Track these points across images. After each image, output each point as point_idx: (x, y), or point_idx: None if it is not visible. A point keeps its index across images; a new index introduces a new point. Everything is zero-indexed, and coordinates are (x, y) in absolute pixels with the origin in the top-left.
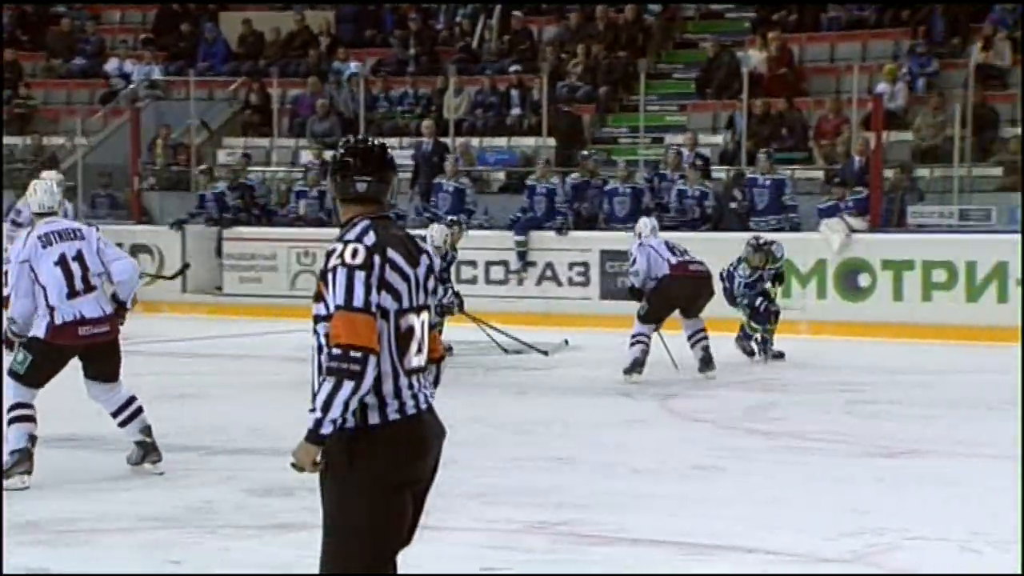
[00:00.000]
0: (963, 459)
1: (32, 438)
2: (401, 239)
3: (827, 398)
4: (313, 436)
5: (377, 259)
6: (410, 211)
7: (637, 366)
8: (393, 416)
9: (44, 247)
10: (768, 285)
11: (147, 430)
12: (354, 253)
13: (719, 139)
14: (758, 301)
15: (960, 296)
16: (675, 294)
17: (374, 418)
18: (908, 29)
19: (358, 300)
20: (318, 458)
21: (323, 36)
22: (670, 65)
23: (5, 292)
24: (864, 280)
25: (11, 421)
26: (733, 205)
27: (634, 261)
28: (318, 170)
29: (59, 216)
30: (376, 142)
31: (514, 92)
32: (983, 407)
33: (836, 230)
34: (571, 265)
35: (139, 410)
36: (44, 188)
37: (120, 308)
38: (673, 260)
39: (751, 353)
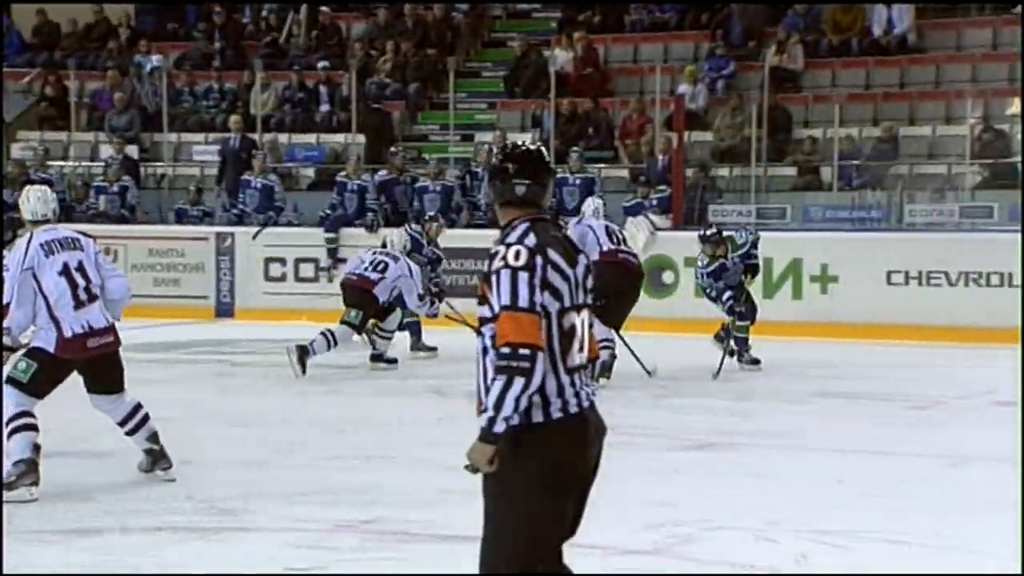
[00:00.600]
0: (763, 451)
1: (36, 448)
2: (559, 240)
3: (634, 393)
4: (487, 435)
5: (539, 260)
6: (217, 208)
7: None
8: (557, 414)
9: (47, 256)
10: (741, 278)
11: (154, 437)
12: (516, 255)
13: (528, 137)
14: (726, 295)
15: (757, 292)
16: (599, 281)
17: (538, 416)
18: (707, 32)
19: (523, 300)
20: (492, 457)
21: (122, 28)
22: (479, 63)
23: (4, 300)
24: (668, 277)
25: (14, 431)
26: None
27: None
28: (119, 165)
29: (54, 223)
30: (534, 146)
31: (323, 88)
32: (783, 400)
33: (641, 228)
34: None
35: (145, 418)
36: (37, 195)
37: None
38: (605, 247)
39: (731, 353)
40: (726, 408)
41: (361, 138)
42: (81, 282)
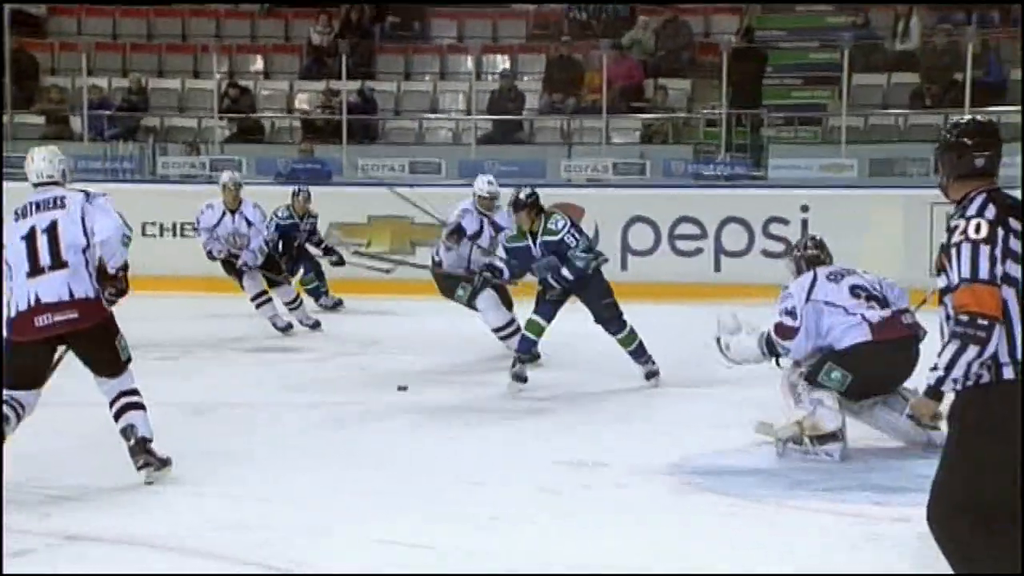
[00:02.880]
0: None
1: None
2: (1016, 207)
3: None
4: (933, 391)
5: (1000, 231)
6: None
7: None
8: (1007, 375)
9: (16, 220)
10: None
11: (127, 431)
12: (977, 228)
13: None
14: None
15: None
16: None
17: (1008, 374)
18: None
19: (983, 272)
20: (937, 410)
21: None
22: None
23: None
24: None
25: None
26: None
27: None
28: None
29: (64, 186)
30: (987, 118)
31: None
32: None
33: None
34: None
35: (127, 407)
36: (42, 155)
37: (109, 280)
38: None
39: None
40: None
41: None
42: (44, 246)
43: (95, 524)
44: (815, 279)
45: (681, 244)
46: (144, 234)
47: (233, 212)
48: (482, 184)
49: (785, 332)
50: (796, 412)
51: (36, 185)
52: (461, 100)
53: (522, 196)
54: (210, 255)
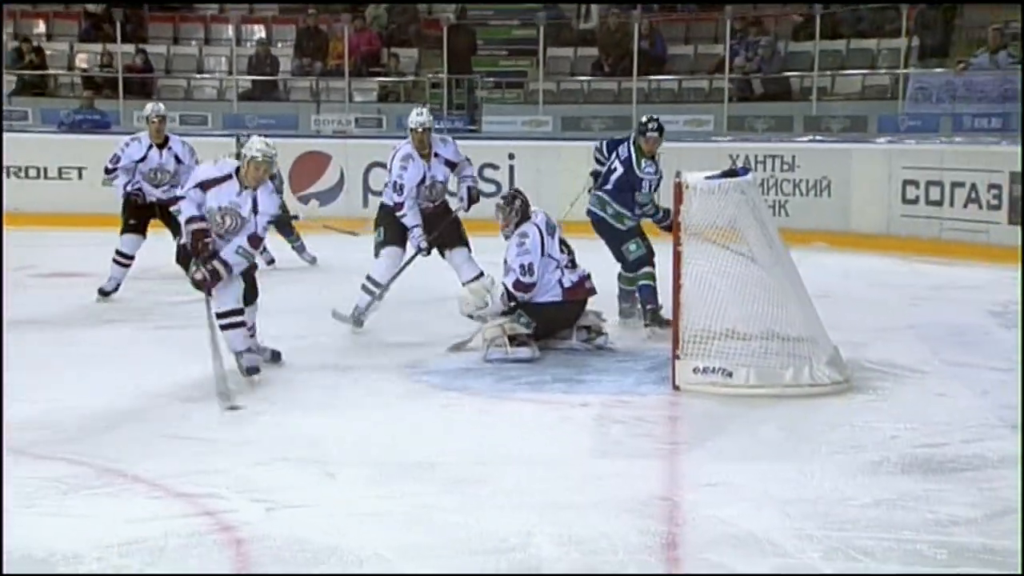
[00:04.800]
0: None
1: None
2: None
3: None
4: None
5: None
6: None
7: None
8: None
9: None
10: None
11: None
12: None
13: None
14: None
15: None
16: None
17: None
18: None
19: None
20: None
21: None
22: None
23: None
24: None
25: None
26: None
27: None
28: None
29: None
30: None
31: None
32: None
33: None
34: None
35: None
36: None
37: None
38: None
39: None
40: None
41: None
42: None
43: None
44: (542, 236)
45: None
46: None
47: (160, 147)
48: (413, 116)
49: (526, 288)
50: (500, 319)
51: None
52: (224, 63)
53: (650, 122)
54: (129, 197)
